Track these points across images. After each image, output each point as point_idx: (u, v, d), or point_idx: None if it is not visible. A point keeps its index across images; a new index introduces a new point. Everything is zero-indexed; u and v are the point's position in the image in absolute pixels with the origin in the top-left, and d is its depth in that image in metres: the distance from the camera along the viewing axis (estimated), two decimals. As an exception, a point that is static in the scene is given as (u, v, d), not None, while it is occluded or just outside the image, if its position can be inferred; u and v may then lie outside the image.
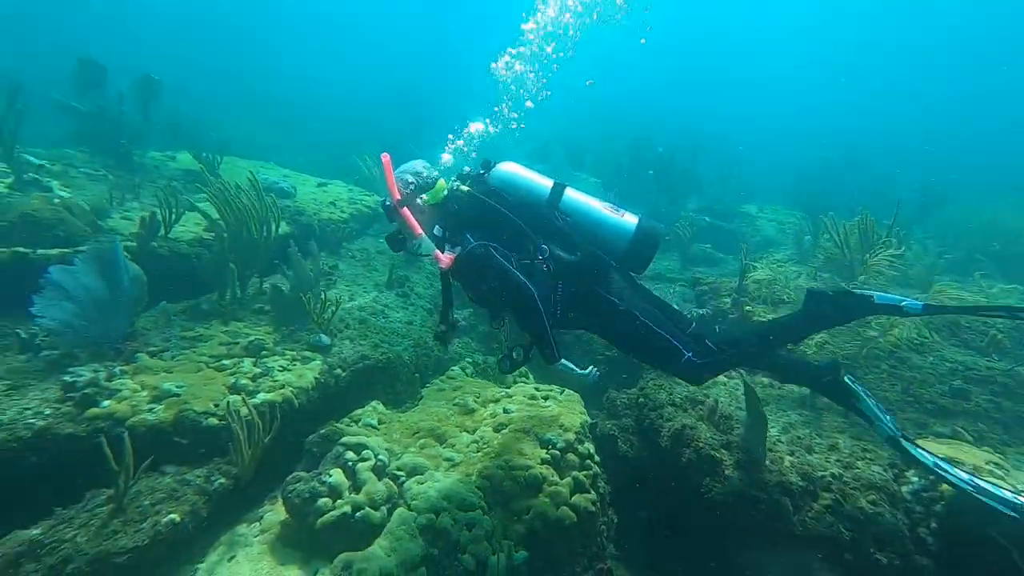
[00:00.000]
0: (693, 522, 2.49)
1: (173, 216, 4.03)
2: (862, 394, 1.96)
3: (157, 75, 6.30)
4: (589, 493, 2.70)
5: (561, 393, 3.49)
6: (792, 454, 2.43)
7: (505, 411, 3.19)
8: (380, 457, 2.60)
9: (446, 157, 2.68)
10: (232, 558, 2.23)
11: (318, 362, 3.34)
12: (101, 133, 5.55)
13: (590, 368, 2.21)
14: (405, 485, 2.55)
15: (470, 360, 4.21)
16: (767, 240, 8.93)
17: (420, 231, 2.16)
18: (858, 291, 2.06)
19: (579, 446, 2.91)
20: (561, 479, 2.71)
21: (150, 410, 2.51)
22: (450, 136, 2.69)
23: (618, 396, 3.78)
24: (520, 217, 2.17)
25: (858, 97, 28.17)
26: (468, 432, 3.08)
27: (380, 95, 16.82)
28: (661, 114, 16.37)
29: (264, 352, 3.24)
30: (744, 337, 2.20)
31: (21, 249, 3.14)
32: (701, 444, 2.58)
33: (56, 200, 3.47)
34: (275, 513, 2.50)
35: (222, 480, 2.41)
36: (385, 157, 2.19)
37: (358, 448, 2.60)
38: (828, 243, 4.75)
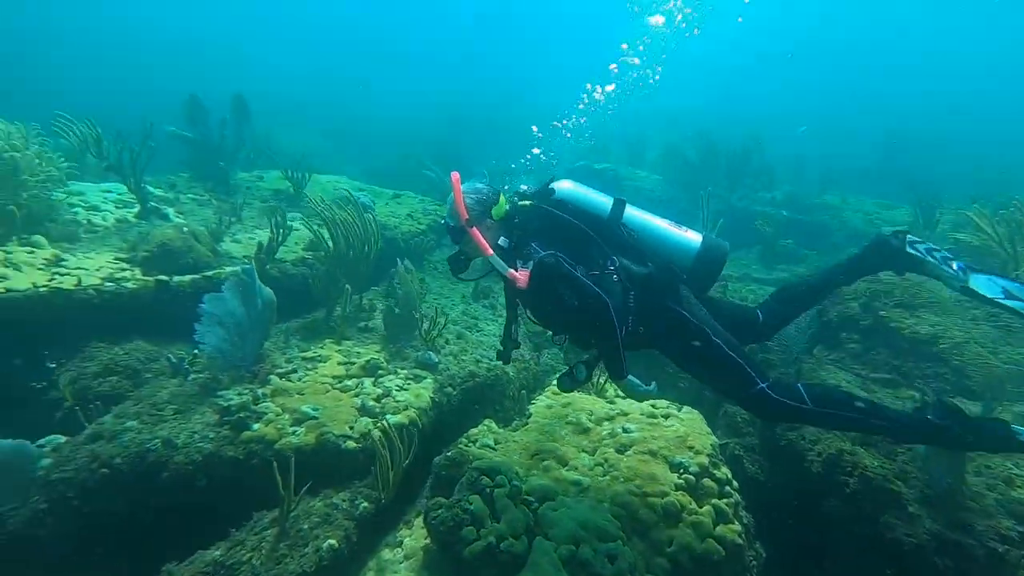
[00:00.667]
0: (866, 563, 2.23)
1: (280, 238, 4.22)
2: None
3: (202, 97, 6.40)
4: (733, 524, 2.51)
5: (679, 410, 3.29)
6: (991, 489, 2.12)
7: (624, 430, 3.05)
8: (514, 483, 2.54)
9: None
10: (384, 584, 2.24)
11: (429, 380, 3.36)
12: (202, 159, 5.97)
13: (652, 383, 2.11)
14: (539, 511, 2.47)
15: (569, 374, 4.09)
16: (856, 233, 8.25)
17: (491, 250, 2.09)
18: (989, 418, 1.90)
19: (715, 471, 2.72)
20: (700, 507, 2.54)
21: (293, 433, 2.59)
22: (588, 85, 2.58)
23: (737, 411, 3.52)
24: (587, 227, 2.11)
25: (937, 78, 25.45)
26: (588, 453, 2.97)
27: (425, 104, 17.02)
28: (723, 107, 15.57)
29: (380, 371, 3.29)
30: (844, 400, 1.92)
31: (162, 277, 3.38)
32: (870, 473, 2.31)
33: (185, 229, 3.72)
34: (414, 539, 2.50)
35: (365, 504, 2.44)
36: (455, 176, 2.15)
37: (492, 473, 2.55)
38: (966, 236, 4.23)
